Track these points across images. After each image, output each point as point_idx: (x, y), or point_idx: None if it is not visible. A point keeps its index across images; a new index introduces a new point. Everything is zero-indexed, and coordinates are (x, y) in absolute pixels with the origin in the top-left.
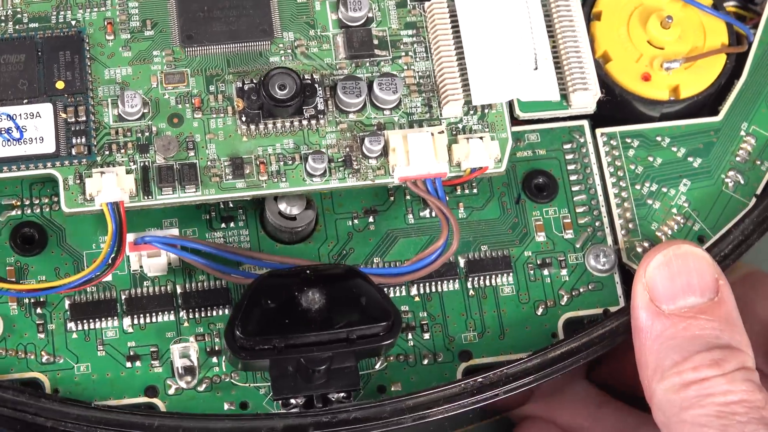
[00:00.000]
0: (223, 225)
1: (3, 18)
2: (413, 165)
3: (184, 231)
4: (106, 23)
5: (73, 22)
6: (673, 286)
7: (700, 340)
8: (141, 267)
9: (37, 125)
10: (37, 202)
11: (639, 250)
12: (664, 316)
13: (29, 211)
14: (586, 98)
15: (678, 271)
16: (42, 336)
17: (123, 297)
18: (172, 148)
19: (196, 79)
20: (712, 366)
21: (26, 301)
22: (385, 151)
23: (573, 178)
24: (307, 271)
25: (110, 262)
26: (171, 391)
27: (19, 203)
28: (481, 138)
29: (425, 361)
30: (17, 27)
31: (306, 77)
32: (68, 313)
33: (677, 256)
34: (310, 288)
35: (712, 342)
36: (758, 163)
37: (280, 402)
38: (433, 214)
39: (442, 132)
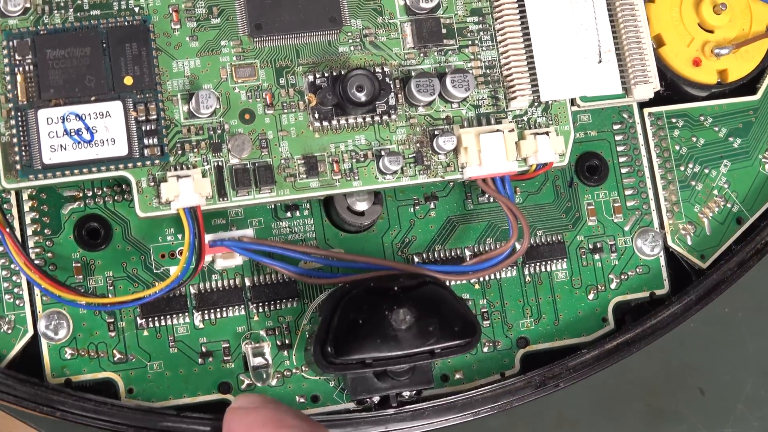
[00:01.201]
0: (288, 214)
1: (62, 4)
2: (485, 165)
3: (250, 221)
4: (171, 10)
5: (137, 9)
6: None
7: None
8: (212, 261)
9: (108, 125)
10: (99, 193)
11: (683, 232)
12: None
13: (92, 203)
14: (647, 91)
15: None
16: (113, 334)
17: (193, 292)
18: (247, 148)
19: (266, 72)
20: None
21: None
22: (455, 149)
23: (622, 159)
24: (395, 288)
25: (192, 269)
26: (244, 387)
27: (81, 195)
28: (547, 134)
29: (485, 349)
30: (78, 14)
31: (377, 71)
32: (138, 310)
33: None
34: (399, 306)
35: None
36: None
37: (355, 401)
38: (492, 200)
39: (513, 130)
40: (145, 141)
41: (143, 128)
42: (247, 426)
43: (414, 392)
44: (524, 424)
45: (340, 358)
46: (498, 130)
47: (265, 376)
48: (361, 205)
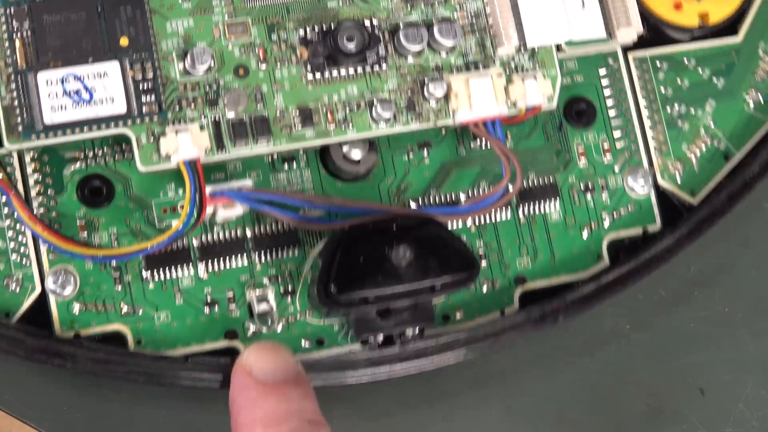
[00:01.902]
0: (285, 166)
1: None
2: (475, 109)
3: (248, 173)
4: None
5: None
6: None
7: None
8: (213, 214)
9: (106, 85)
10: (100, 153)
11: (672, 170)
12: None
13: (93, 163)
14: (630, 34)
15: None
16: (119, 288)
17: (195, 244)
18: (242, 101)
19: (258, 29)
20: None
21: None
22: (446, 95)
23: (609, 103)
24: (393, 226)
25: (193, 221)
26: (250, 333)
27: (82, 156)
28: (534, 77)
29: (484, 288)
30: None
31: (366, 24)
32: (143, 264)
33: None
34: (399, 243)
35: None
36: None
37: (359, 341)
38: (483, 146)
39: (501, 75)
40: (143, 99)
41: (140, 87)
42: (251, 420)
43: (417, 330)
44: (524, 424)
45: (343, 296)
46: (486, 75)
47: (270, 321)
48: (357, 154)
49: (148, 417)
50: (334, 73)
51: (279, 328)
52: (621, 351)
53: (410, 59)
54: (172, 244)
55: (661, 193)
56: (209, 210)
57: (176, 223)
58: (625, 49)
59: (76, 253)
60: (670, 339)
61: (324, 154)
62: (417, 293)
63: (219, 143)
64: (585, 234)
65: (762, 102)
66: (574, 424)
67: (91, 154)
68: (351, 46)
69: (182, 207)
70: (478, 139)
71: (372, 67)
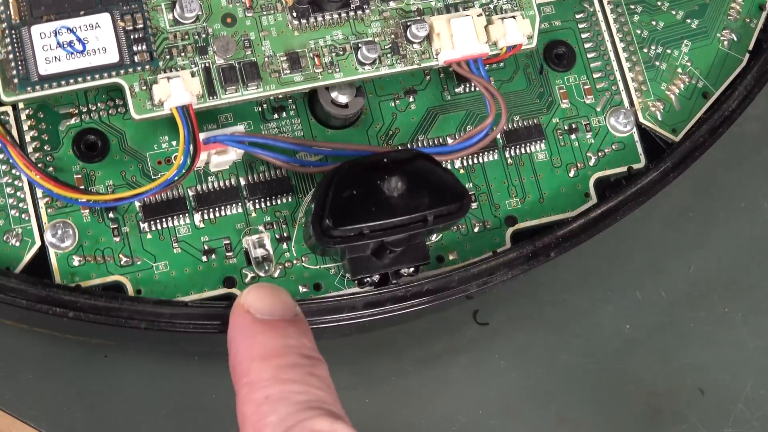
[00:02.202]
0: (275, 116)
1: None
2: (457, 48)
3: (239, 123)
4: None
5: None
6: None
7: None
8: (206, 164)
9: (98, 36)
10: (94, 108)
11: (653, 109)
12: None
13: (87, 118)
14: None
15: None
16: (117, 239)
17: (191, 194)
18: (231, 48)
19: None
20: None
21: (98, 207)
22: (428, 36)
23: (587, 45)
24: (384, 160)
25: (188, 164)
26: (248, 280)
27: (76, 111)
28: (513, 17)
29: (476, 229)
30: None
31: None
32: (140, 214)
33: None
34: (390, 175)
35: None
36: (748, 21)
37: (355, 281)
38: (468, 90)
39: (481, 14)
40: (134, 48)
41: (132, 37)
42: (249, 354)
43: (412, 269)
44: (524, 424)
45: (339, 230)
46: (467, 15)
47: (267, 267)
48: (344, 98)
49: (148, 417)
50: (319, 18)
51: (276, 274)
52: (621, 351)
53: (392, 3)
54: (168, 194)
55: (643, 132)
56: (203, 157)
57: (172, 167)
58: None
59: (71, 198)
60: (670, 339)
61: (312, 101)
62: (410, 225)
63: (210, 89)
64: (572, 173)
65: (736, 41)
66: (574, 424)
67: (85, 109)
68: None
69: (176, 158)
70: (463, 84)
71: (355, 12)
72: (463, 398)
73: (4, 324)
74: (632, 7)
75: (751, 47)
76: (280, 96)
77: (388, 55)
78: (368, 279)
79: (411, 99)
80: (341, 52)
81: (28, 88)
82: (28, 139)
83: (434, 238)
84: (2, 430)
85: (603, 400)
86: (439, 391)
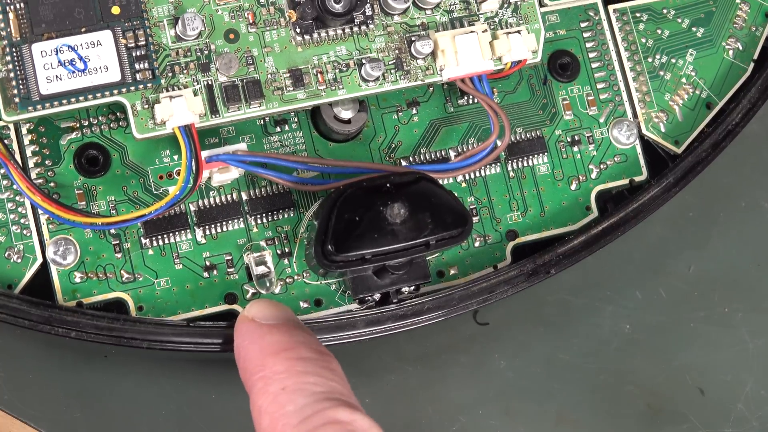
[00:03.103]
0: (277, 129)
1: None
2: (462, 65)
3: (242, 138)
4: None
5: None
6: None
7: None
8: (208, 179)
9: (100, 54)
10: (95, 122)
11: (656, 120)
12: None
13: (89, 132)
14: None
15: None
16: (119, 255)
17: (192, 209)
18: (234, 65)
19: None
20: None
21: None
22: (433, 53)
23: (592, 55)
24: (387, 185)
25: (190, 185)
26: (249, 296)
27: (78, 126)
28: (518, 32)
29: (477, 244)
30: None
31: None
32: (142, 230)
33: None
34: (393, 201)
35: None
36: (753, 29)
37: (357, 300)
38: (470, 102)
39: (486, 30)
40: (137, 66)
41: (133, 54)
42: (260, 351)
43: (412, 288)
44: (524, 424)
45: (341, 255)
46: (472, 32)
47: (268, 284)
48: (347, 113)
49: (148, 417)
50: (323, 34)
51: (277, 290)
52: (621, 351)
53: (396, 18)
54: (169, 210)
55: (646, 144)
56: (205, 174)
57: (173, 189)
58: (606, 2)
59: (75, 222)
60: (670, 339)
61: (315, 115)
62: (412, 250)
63: (212, 108)
64: (573, 186)
65: (741, 50)
66: (574, 424)
67: (86, 123)
68: (338, 7)
69: (178, 173)
70: (466, 96)
71: (359, 27)
72: (463, 398)
73: (3, 324)
74: (638, 15)
75: (756, 56)
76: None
77: (392, 71)
78: (369, 298)
79: (414, 111)
80: (345, 69)
81: (30, 108)
82: (29, 153)
83: (436, 253)
84: (2, 430)
85: (603, 400)
86: (439, 391)
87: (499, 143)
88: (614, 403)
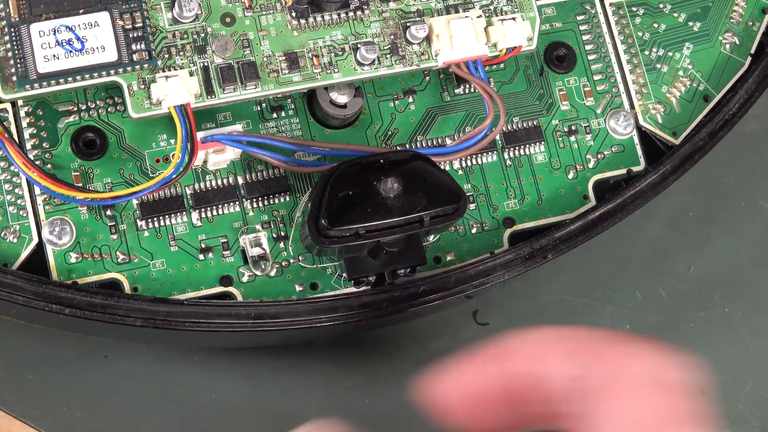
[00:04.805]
0: (274, 115)
1: None
2: (456, 49)
3: (238, 122)
4: None
5: None
6: None
7: None
8: (204, 162)
9: (97, 34)
10: (93, 106)
11: (653, 111)
12: None
13: (86, 115)
14: None
15: None
16: (115, 237)
17: (188, 192)
18: (230, 48)
19: None
20: None
21: (96, 204)
22: (428, 38)
23: (588, 47)
24: (381, 161)
25: (185, 164)
26: (245, 279)
27: (76, 109)
28: (513, 19)
29: (474, 230)
30: None
31: None
32: (137, 212)
33: None
34: (386, 176)
35: None
36: (750, 24)
37: (352, 281)
38: (467, 90)
39: (480, 16)
40: (133, 47)
41: (130, 35)
42: None
43: (408, 270)
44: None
45: (335, 230)
46: (466, 17)
47: (264, 266)
48: (343, 98)
49: (148, 417)
50: (318, 18)
51: (273, 273)
52: None
53: (392, 4)
54: (166, 192)
55: (643, 135)
56: (201, 156)
57: (169, 166)
58: None
59: (68, 197)
60: (670, 339)
61: (311, 101)
62: (406, 226)
63: (208, 88)
64: (571, 175)
65: (738, 44)
66: None
67: (84, 107)
68: None
69: (174, 156)
70: (462, 85)
71: (355, 12)
72: None
73: (3, 321)
74: (634, 9)
75: (753, 51)
76: (280, 96)
77: (387, 56)
78: (364, 279)
79: (410, 99)
80: (340, 53)
81: (27, 86)
82: (27, 136)
83: (432, 238)
84: (2, 430)
85: None
86: None
87: (494, 128)
88: None
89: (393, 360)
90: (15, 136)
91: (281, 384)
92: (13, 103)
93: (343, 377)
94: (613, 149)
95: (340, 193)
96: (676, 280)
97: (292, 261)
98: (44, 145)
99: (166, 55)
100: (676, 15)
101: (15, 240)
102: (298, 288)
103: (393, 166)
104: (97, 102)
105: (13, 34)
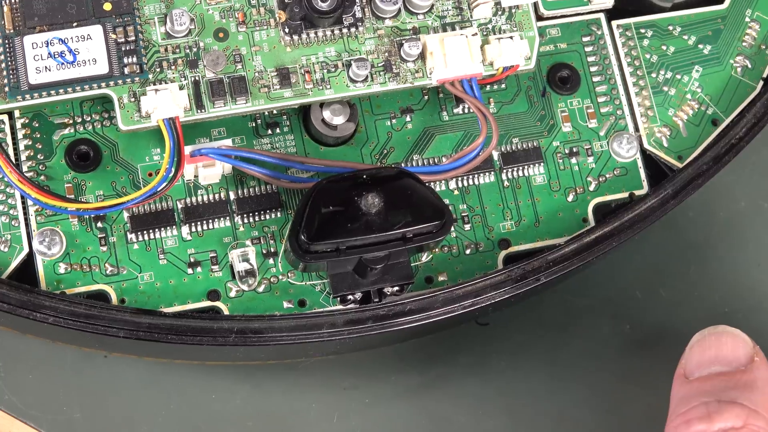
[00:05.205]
0: (269, 131)
1: None
2: (450, 67)
3: (233, 140)
4: None
5: None
6: (702, 358)
7: (706, 395)
8: (195, 177)
9: (89, 47)
10: (88, 119)
11: (658, 135)
12: (687, 383)
13: (81, 128)
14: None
15: (709, 345)
16: (104, 249)
17: (180, 206)
18: (221, 62)
19: None
20: (702, 419)
21: (87, 216)
22: (422, 55)
23: (593, 69)
24: (364, 176)
25: (171, 176)
26: (232, 294)
27: (71, 122)
28: (511, 38)
29: (468, 251)
30: None
31: None
32: (128, 225)
33: (711, 334)
34: (368, 192)
35: (717, 396)
36: (763, 47)
37: (338, 298)
38: (466, 111)
39: (476, 34)
40: (125, 60)
41: (123, 49)
42: None
43: (396, 288)
44: (524, 424)
45: (314, 245)
46: (461, 35)
47: (250, 282)
48: (337, 120)
49: (148, 417)
50: (312, 35)
51: (261, 289)
52: (621, 351)
53: (387, 21)
54: (157, 205)
55: (648, 158)
56: (191, 171)
57: (155, 178)
58: (609, 17)
59: (57, 207)
60: (670, 339)
61: (306, 118)
62: (388, 243)
63: (198, 102)
64: (570, 198)
65: (750, 68)
66: (574, 424)
67: (79, 120)
68: (324, 5)
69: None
70: (461, 105)
71: (349, 29)
72: (463, 398)
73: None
74: (642, 31)
75: (765, 75)
76: (275, 112)
77: (381, 73)
78: (350, 297)
79: (408, 118)
80: (333, 69)
81: (18, 97)
82: (21, 147)
83: (424, 258)
84: (2, 430)
85: (603, 400)
86: (439, 391)
87: (486, 148)
88: (614, 402)
89: (393, 360)
90: (10, 148)
91: (281, 384)
92: (10, 115)
93: (343, 377)
94: (615, 172)
95: (321, 208)
96: (676, 280)
97: (281, 277)
98: (39, 156)
99: (158, 69)
100: (686, 37)
101: (6, 249)
102: (286, 305)
103: (377, 183)
104: (93, 115)
105: (7, 45)
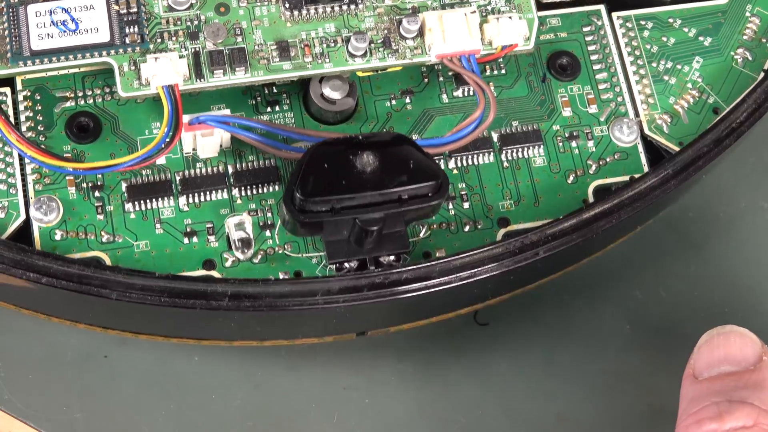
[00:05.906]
0: (268, 109)
1: None
2: (449, 43)
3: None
4: None
5: None
6: (711, 358)
7: (716, 395)
8: (194, 150)
9: (91, 17)
10: (90, 93)
11: (659, 121)
12: (697, 383)
13: (82, 102)
14: None
15: (717, 345)
16: (101, 217)
17: (177, 178)
18: (221, 34)
19: None
20: (713, 419)
21: (84, 185)
22: (421, 32)
23: (594, 58)
24: (360, 137)
25: (168, 141)
26: (228, 264)
27: (72, 95)
28: (510, 17)
29: (466, 228)
30: None
31: None
32: (125, 194)
33: (719, 334)
34: (363, 151)
35: (727, 396)
36: (764, 41)
37: (334, 266)
38: (466, 93)
39: (474, 12)
40: (126, 30)
41: (124, 19)
42: None
43: (392, 257)
44: (524, 425)
45: (308, 203)
46: (460, 11)
47: (246, 251)
48: (335, 95)
49: (148, 417)
50: (312, 11)
51: (257, 259)
52: (621, 351)
53: (387, 0)
54: (154, 176)
55: (648, 144)
56: (189, 140)
57: (153, 141)
58: (609, 9)
59: (54, 166)
60: (670, 339)
61: (306, 96)
62: (384, 204)
63: (197, 71)
64: (570, 179)
65: (750, 59)
66: (574, 424)
67: (81, 93)
68: None
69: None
70: (461, 88)
71: (349, 6)
72: (463, 398)
73: (3, 322)
74: (642, 23)
75: (766, 67)
76: (275, 90)
77: (380, 49)
78: (346, 264)
79: (407, 100)
80: (332, 44)
81: (20, 63)
82: (23, 118)
83: (422, 234)
84: (2, 430)
85: (603, 400)
86: (439, 391)
87: (486, 119)
88: (614, 403)
89: (393, 360)
90: (12, 119)
91: (281, 384)
92: (12, 89)
93: (343, 377)
94: (615, 156)
95: (316, 168)
96: (676, 280)
97: (277, 249)
98: (39, 127)
99: (159, 40)
100: (686, 30)
101: (3, 215)
102: (281, 275)
103: (373, 145)
104: (94, 89)
105: (11, 14)
